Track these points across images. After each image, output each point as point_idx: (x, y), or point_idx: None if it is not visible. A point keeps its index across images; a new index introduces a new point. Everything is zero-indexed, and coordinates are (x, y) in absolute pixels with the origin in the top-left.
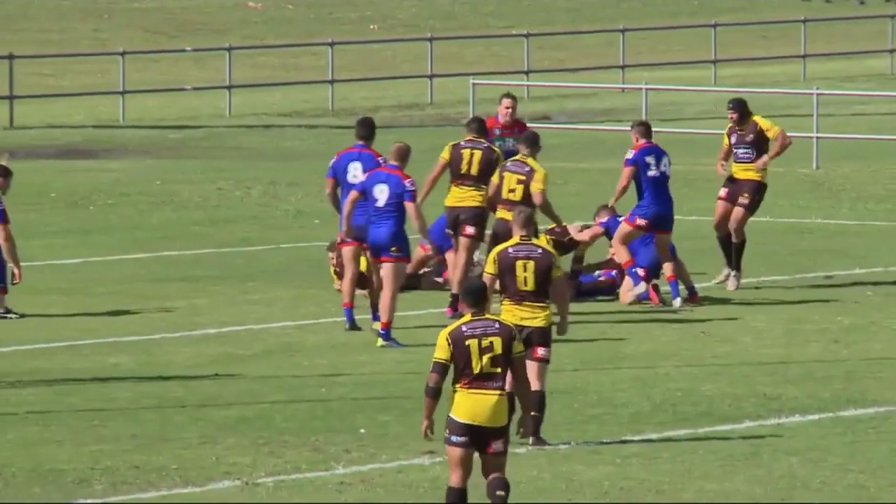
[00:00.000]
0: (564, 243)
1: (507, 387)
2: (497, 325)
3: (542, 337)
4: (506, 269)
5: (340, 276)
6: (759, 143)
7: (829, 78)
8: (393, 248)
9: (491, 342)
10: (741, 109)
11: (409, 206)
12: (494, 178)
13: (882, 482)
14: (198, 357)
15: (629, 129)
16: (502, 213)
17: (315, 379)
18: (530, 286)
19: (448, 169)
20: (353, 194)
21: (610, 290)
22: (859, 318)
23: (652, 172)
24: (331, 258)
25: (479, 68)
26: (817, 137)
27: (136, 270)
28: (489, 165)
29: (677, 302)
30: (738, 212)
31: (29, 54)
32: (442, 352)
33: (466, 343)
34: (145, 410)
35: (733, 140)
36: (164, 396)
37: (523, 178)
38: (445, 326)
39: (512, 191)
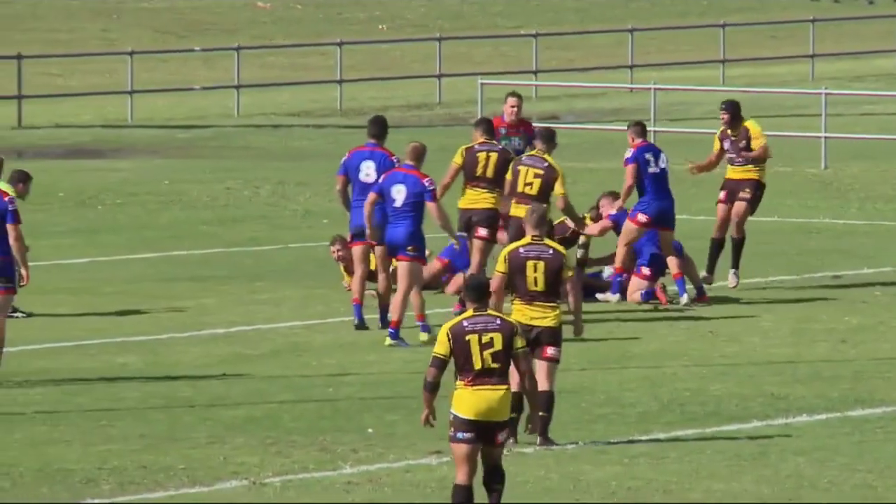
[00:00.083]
0: (567, 237)
1: (515, 387)
2: (498, 322)
3: (551, 336)
4: (516, 268)
5: (349, 271)
6: (752, 148)
7: (837, 78)
8: (409, 248)
9: (491, 338)
10: (733, 111)
11: (431, 206)
12: (508, 176)
13: (890, 482)
14: (206, 357)
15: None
16: (516, 210)
17: (323, 378)
18: (540, 286)
19: (461, 172)
20: (372, 196)
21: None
22: (867, 317)
23: (652, 169)
24: (332, 251)
25: (487, 68)
26: (826, 137)
27: (145, 270)
28: (505, 167)
29: (684, 299)
30: (739, 206)
31: (37, 54)
32: (441, 347)
33: (466, 338)
34: (153, 410)
35: (726, 146)
36: (172, 396)
37: (541, 172)
38: None
39: (529, 184)
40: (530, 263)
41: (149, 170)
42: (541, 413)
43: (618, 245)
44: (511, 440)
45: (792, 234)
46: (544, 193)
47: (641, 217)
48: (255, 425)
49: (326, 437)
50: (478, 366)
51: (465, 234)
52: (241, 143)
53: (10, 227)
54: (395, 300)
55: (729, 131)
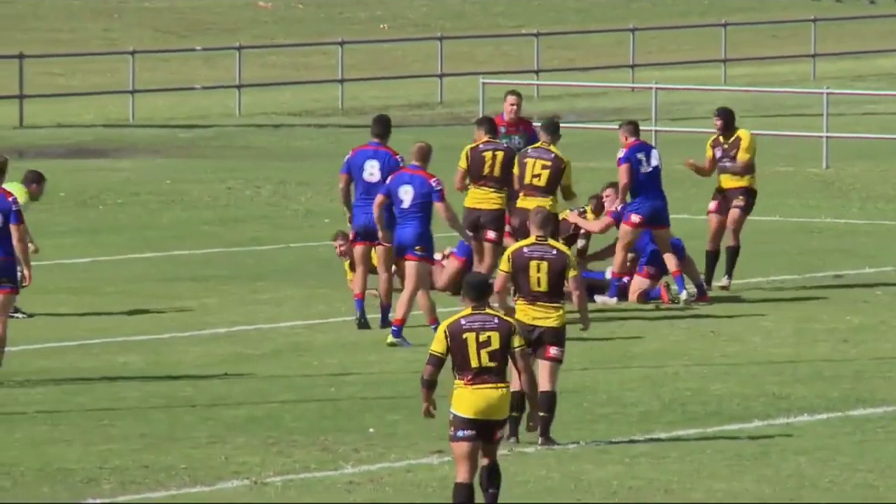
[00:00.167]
0: (569, 236)
1: (514, 386)
2: (496, 320)
3: (554, 337)
4: (519, 268)
5: (353, 267)
6: (736, 159)
7: (839, 77)
8: (417, 248)
9: (489, 336)
10: (727, 118)
11: (439, 206)
12: (515, 170)
13: (891, 482)
14: (207, 356)
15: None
16: (523, 202)
17: (324, 378)
18: (543, 287)
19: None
20: (380, 197)
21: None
22: (869, 317)
23: (644, 169)
24: (336, 245)
25: (489, 68)
26: (827, 137)
27: (146, 270)
28: (511, 166)
29: (683, 295)
30: (734, 213)
31: (39, 54)
32: (438, 345)
33: (464, 336)
34: (154, 410)
35: (718, 154)
36: (174, 396)
37: (548, 163)
38: None
39: (536, 176)
40: (534, 263)
41: (150, 169)
42: (542, 413)
43: (616, 250)
44: (512, 438)
45: (793, 233)
46: (552, 184)
47: (634, 218)
48: (256, 425)
49: (328, 437)
50: (475, 364)
51: (471, 233)
52: (243, 142)
53: (13, 228)
54: (402, 299)
55: (721, 139)
